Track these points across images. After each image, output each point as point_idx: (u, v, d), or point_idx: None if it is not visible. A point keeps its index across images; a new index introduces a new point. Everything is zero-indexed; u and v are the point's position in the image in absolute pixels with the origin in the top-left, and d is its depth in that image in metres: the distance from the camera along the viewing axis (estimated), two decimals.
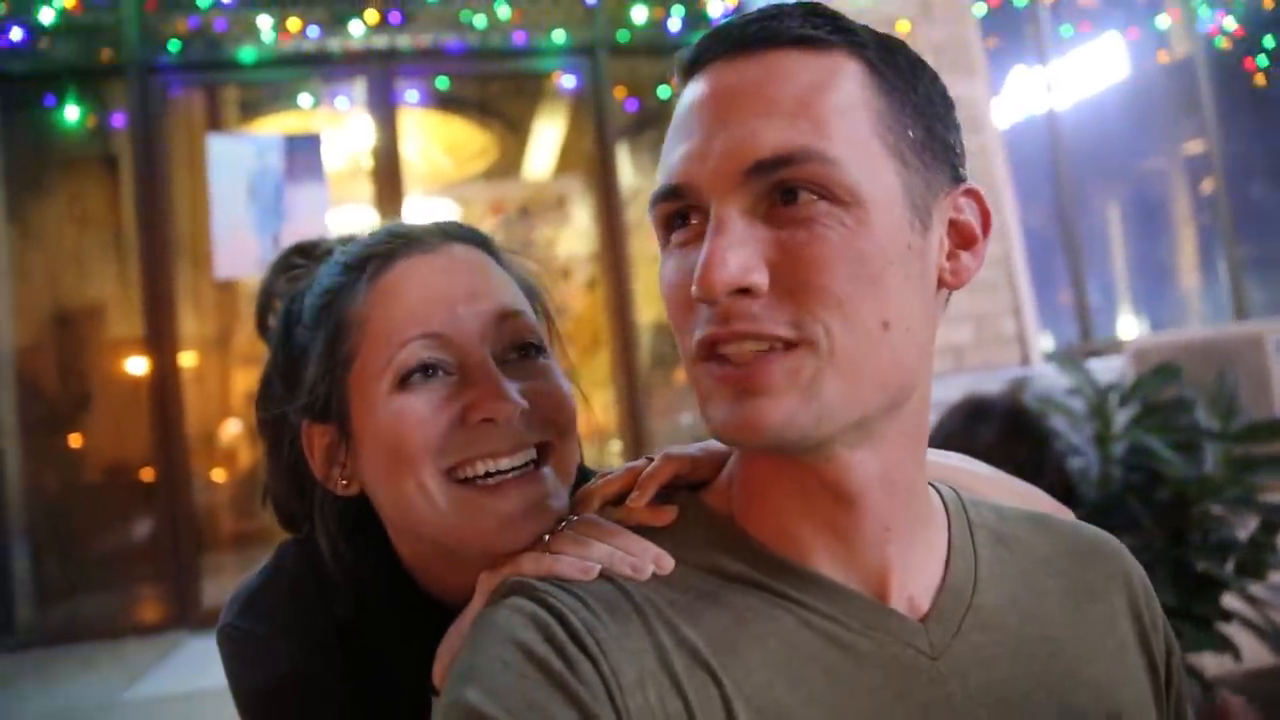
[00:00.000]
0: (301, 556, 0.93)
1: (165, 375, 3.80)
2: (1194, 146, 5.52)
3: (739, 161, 0.59)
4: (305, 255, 1.01)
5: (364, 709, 0.88)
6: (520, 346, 0.82)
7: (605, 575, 0.65)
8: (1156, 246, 6.86)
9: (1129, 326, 6.94)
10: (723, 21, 0.65)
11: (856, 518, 0.65)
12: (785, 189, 0.59)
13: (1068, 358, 3.20)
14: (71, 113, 3.80)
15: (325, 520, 0.89)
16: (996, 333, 3.78)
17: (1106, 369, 3.32)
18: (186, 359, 3.87)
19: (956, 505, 0.75)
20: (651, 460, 0.77)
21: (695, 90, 0.64)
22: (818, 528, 0.65)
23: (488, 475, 0.77)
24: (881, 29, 0.68)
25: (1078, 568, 0.74)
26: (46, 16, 3.61)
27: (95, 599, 4.06)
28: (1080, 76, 5.22)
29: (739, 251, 0.58)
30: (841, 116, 0.60)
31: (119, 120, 3.88)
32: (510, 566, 0.70)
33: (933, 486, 0.74)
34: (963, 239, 0.68)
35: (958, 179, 0.67)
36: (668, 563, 0.66)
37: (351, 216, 5.20)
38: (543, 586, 0.63)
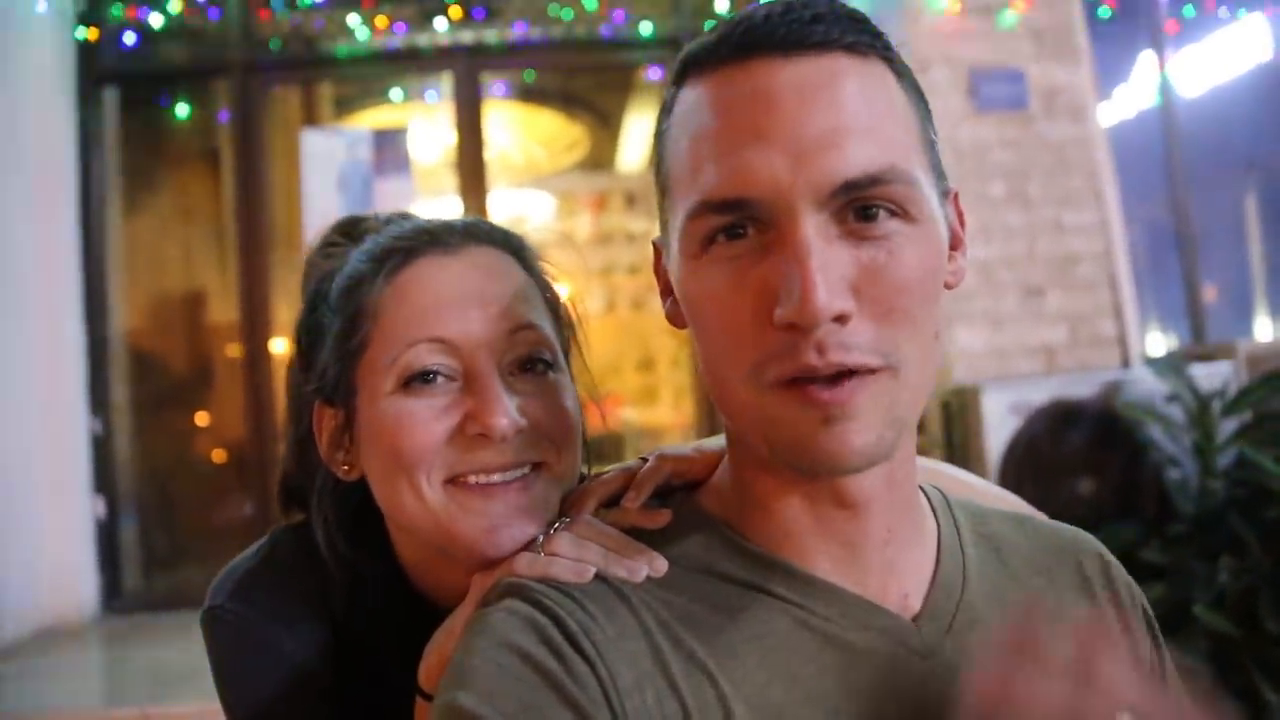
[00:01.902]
0: (296, 544, 0.92)
1: (259, 360, 4.00)
2: None
3: (827, 179, 0.56)
4: (345, 233, 1.01)
5: (353, 708, 0.86)
6: (529, 360, 0.80)
7: (601, 577, 0.65)
8: None
9: (1264, 329, 6.48)
10: (751, 13, 0.61)
11: (863, 523, 0.65)
12: (863, 206, 0.58)
13: (1166, 362, 2.99)
14: (181, 110, 4.03)
15: (324, 505, 0.89)
16: (1094, 333, 3.56)
17: (1211, 375, 3.08)
18: (281, 345, 4.06)
19: (942, 505, 0.75)
20: (646, 461, 0.76)
21: (744, 86, 0.59)
22: (822, 535, 0.65)
23: (477, 483, 0.78)
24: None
25: (1059, 566, 0.75)
26: (157, 21, 3.84)
27: (197, 569, 4.31)
28: (1214, 60, 4.87)
29: (833, 276, 0.56)
30: (906, 131, 0.60)
31: (223, 116, 4.11)
32: (504, 567, 0.70)
33: (919, 487, 0.74)
34: (954, 240, 0.67)
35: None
36: (662, 565, 0.66)
37: (441, 208, 5.34)
38: (538, 588, 0.63)
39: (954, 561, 0.71)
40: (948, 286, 0.66)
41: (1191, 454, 2.90)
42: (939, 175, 0.64)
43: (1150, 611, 0.77)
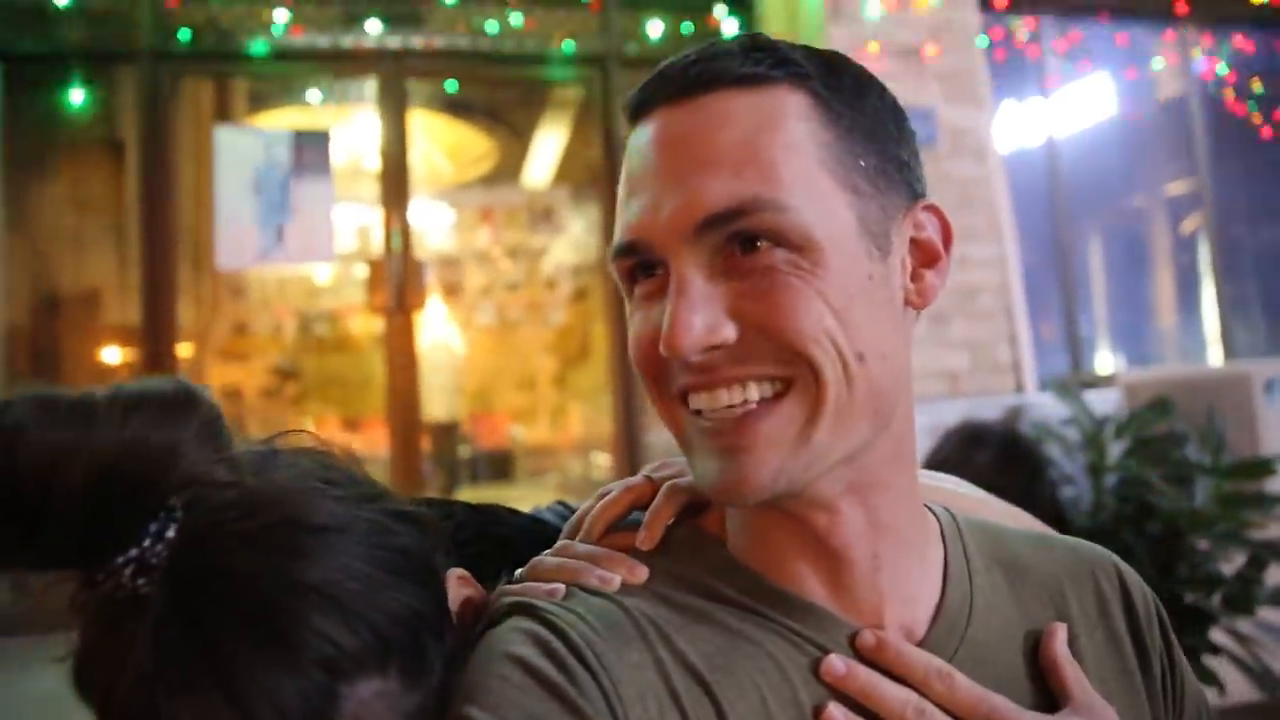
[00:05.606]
0: None
1: (160, 364, 3.75)
2: (1176, 187, 5.63)
3: (690, 218, 0.60)
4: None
5: None
6: None
7: (605, 594, 0.66)
8: (1136, 283, 6.97)
9: (1106, 361, 7.02)
10: (666, 62, 0.65)
11: (844, 550, 0.66)
12: (740, 239, 0.60)
13: (1065, 388, 3.25)
14: (78, 96, 3.75)
15: None
16: (992, 360, 3.83)
17: (1102, 401, 3.37)
18: (183, 349, 3.83)
19: (952, 528, 0.75)
20: (649, 479, 0.77)
21: (643, 138, 0.64)
22: (807, 559, 0.67)
23: None
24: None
25: (1076, 587, 0.75)
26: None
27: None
28: (1072, 113, 5.32)
29: (702, 312, 0.59)
30: (788, 157, 0.60)
31: (126, 106, 3.84)
32: (495, 594, 0.71)
33: (929, 509, 0.74)
34: (926, 256, 0.67)
35: (916, 195, 0.67)
36: (642, 571, 0.68)
37: (355, 214, 5.17)
38: (542, 605, 0.64)
39: (960, 590, 0.70)
40: (912, 305, 0.66)
41: (1085, 472, 3.15)
42: (883, 192, 0.63)
43: (1166, 620, 0.77)
